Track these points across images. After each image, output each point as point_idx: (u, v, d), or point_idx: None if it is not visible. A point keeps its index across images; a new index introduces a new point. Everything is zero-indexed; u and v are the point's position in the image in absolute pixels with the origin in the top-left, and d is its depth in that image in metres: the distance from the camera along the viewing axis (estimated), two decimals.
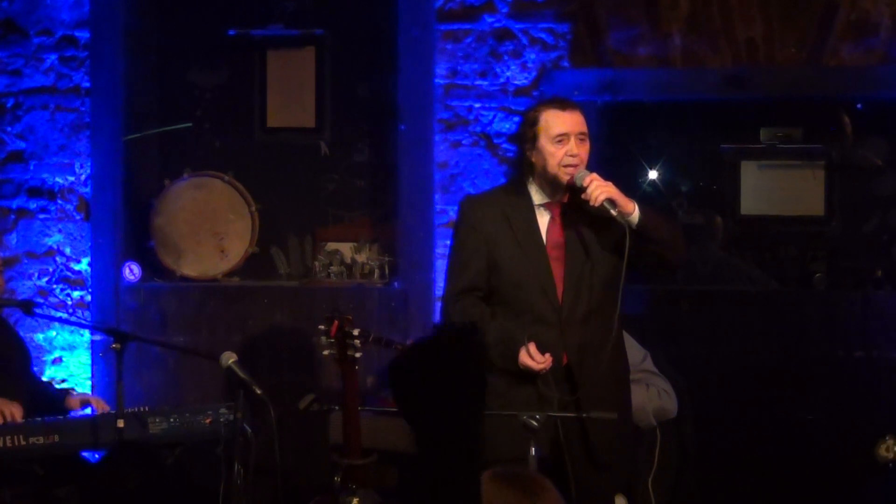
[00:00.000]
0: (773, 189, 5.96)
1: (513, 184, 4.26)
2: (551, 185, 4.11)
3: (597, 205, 3.96)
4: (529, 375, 4.04)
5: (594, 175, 4.00)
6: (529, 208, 4.15)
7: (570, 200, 4.12)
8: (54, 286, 6.14)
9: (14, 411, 4.78)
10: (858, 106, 5.83)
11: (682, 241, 4.10)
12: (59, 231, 6.15)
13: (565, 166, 4.05)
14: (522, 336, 4.05)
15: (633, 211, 3.98)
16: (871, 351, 5.56)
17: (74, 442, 4.80)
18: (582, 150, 4.08)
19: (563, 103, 4.19)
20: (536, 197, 4.15)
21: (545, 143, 4.09)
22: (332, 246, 6.19)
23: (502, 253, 4.16)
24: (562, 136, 4.08)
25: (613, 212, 3.96)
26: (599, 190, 3.95)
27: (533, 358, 4.01)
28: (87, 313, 6.06)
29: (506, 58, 5.85)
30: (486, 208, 4.21)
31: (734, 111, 5.92)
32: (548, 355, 4.03)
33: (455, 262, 4.27)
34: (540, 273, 4.11)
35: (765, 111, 5.93)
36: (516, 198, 4.18)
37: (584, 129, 4.10)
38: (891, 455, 4.66)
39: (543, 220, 4.15)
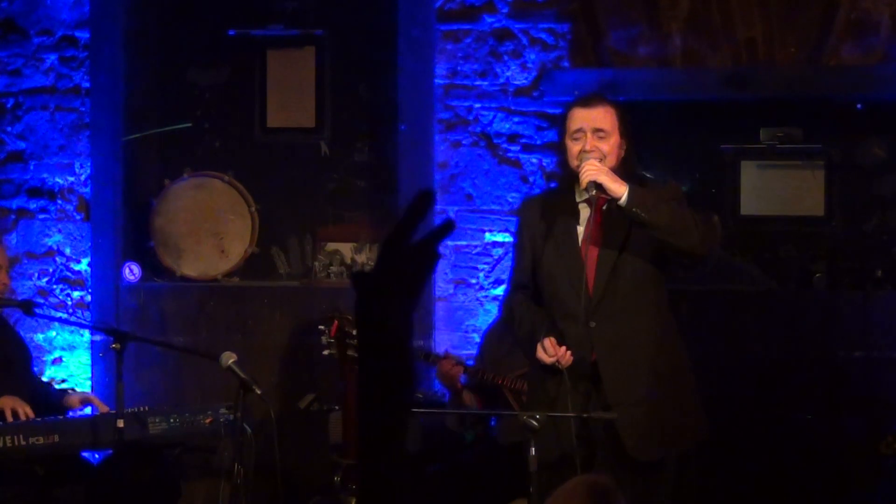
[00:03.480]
0: (773, 189, 5.96)
1: (565, 182, 4.33)
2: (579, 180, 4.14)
3: (583, 187, 4.02)
4: (558, 371, 4.07)
5: (591, 160, 4.03)
6: (571, 205, 4.19)
7: (611, 197, 4.14)
8: (54, 286, 6.14)
9: (27, 410, 4.79)
10: (858, 106, 5.83)
11: (692, 229, 4.05)
12: (59, 231, 6.14)
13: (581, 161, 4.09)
14: (542, 331, 4.10)
15: (622, 195, 3.98)
16: (871, 351, 5.56)
17: (74, 442, 4.80)
18: (602, 145, 4.10)
19: (586, 99, 4.26)
20: (579, 194, 4.18)
21: (567, 139, 4.17)
22: (332, 246, 6.19)
23: (541, 249, 4.23)
24: (577, 131, 4.13)
25: (590, 193, 3.99)
26: (586, 174, 3.99)
27: (546, 352, 4.04)
28: (87, 313, 6.05)
29: (506, 58, 5.85)
30: (534, 207, 4.31)
31: (734, 111, 5.92)
32: (562, 349, 4.05)
33: (512, 261, 4.44)
34: (572, 268, 4.13)
35: (765, 111, 5.93)
36: (563, 195, 4.25)
37: (604, 124, 4.11)
38: (890, 452, 4.67)
39: (583, 216, 4.17)
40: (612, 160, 4.10)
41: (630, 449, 4.07)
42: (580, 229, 4.16)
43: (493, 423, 5.17)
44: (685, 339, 4.39)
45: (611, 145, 4.11)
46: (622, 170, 4.14)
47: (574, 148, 4.12)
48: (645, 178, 4.25)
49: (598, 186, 3.99)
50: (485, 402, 5.17)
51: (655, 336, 4.16)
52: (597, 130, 4.11)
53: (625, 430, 4.06)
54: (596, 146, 4.09)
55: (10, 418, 4.76)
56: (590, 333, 4.10)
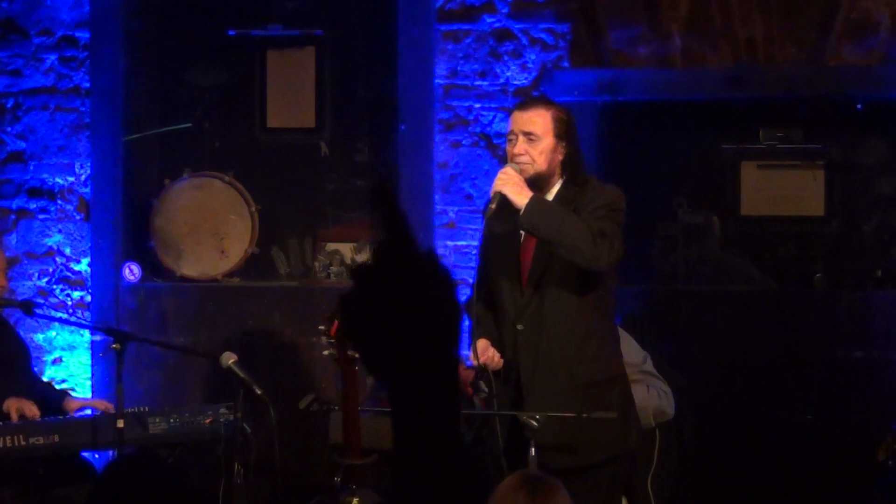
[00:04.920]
0: (773, 189, 5.96)
1: None
2: None
3: (491, 195, 4.07)
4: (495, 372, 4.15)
5: (504, 169, 4.09)
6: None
7: (553, 199, 4.17)
8: (54, 286, 6.14)
9: (34, 410, 4.80)
10: (858, 106, 5.83)
11: (586, 247, 3.96)
12: (59, 231, 6.14)
13: (515, 164, 4.12)
14: (478, 332, 4.15)
15: (522, 207, 4.00)
16: (871, 351, 5.56)
17: (74, 442, 4.81)
18: (531, 149, 4.11)
19: (523, 102, 4.37)
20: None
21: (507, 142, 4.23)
22: (332, 246, 6.19)
23: (491, 249, 4.27)
24: (510, 134, 4.18)
25: (492, 205, 4.04)
26: (494, 184, 4.05)
27: (475, 353, 4.10)
28: (87, 313, 6.05)
29: (506, 58, 5.85)
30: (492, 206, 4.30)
31: (734, 111, 5.92)
32: (490, 352, 4.09)
33: (476, 262, 4.50)
34: (509, 270, 4.17)
35: (765, 111, 5.93)
36: None
37: (534, 128, 4.12)
38: (890, 453, 4.67)
39: None
40: (542, 164, 4.11)
41: (548, 456, 4.07)
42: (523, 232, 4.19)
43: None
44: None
45: (541, 149, 4.11)
46: (559, 172, 4.15)
47: (510, 151, 4.17)
48: (587, 181, 4.18)
49: (501, 197, 4.02)
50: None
51: (576, 344, 4.12)
52: (526, 133, 4.12)
53: (535, 436, 4.06)
54: (526, 149, 4.11)
55: (15, 418, 4.77)
56: (516, 336, 4.12)
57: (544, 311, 4.12)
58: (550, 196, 4.17)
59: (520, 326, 4.14)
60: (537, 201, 4.02)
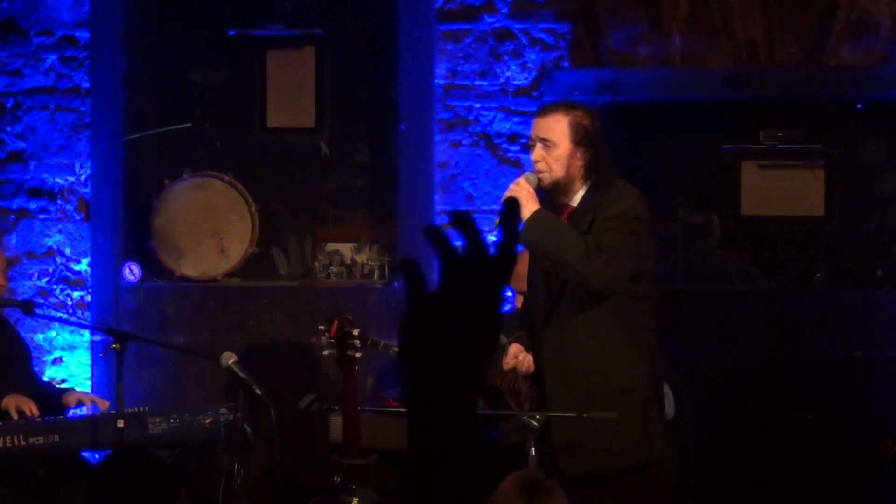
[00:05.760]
0: (773, 189, 5.96)
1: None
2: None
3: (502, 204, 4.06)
4: (527, 375, 4.22)
5: (520, 179, 4.08)
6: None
7: (577, 206, 4.15)
8: (54, 286, 6.14)
9: (32, 407, 4.80)
10: (858, 106, 5.83)
11: (579, 266, 3.92)
12: (59, 231, 6.14)
13: (534, 171, 4.11)
14: (512, 336, 4.19)
15: (525, 218, 3.99)
16: (871, 351, 5.56)
17: (74, 442, 4.81)
18: (548, 156, 4.07)
19: (543, 107, 4.32)
20: (553, 198, 4.19)
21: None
22: (332, 246, 6.19)
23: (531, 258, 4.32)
24: (530, 140, 4.18)
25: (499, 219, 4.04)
26: (506, 194, 4.06)
27: (505, 356, 4.15)
28: (87, 313, 6.05)
29: (506, 58, 5.85)
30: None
31: (734, 111, 5.92)
32: (521, 356, 4.13)
33: None
34: (541, 279, 4.18)
35: (765, 111, 5.93)
36: (545, 201, 4.21)
37: (550, 135, 4.07)
38: (889, 454, 4.67)
39: None
40: (559, 171, 4.07)
41: (558, 460, 4.08)
42: None
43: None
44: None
45: (557, 156, 4.06)
46: (583, 178, 4.10)
47: (531, 157, 4.15)
48: (610, 187, 4.11)
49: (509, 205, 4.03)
50: (491, 404, 5.18)
51: (592, 353, 4.08)
52: (543, 140, 4.09)
53: (555, 441, 4.08)
54: (542, 156, 4.08)
55: (15, 416, 4.77)
56: (542, 343, 4.15)
57: (564, 321, 4.11)
58: (575, 202, 4.13)
59: (545, 334, 4.15)
60: (536, 217, 3.97)
